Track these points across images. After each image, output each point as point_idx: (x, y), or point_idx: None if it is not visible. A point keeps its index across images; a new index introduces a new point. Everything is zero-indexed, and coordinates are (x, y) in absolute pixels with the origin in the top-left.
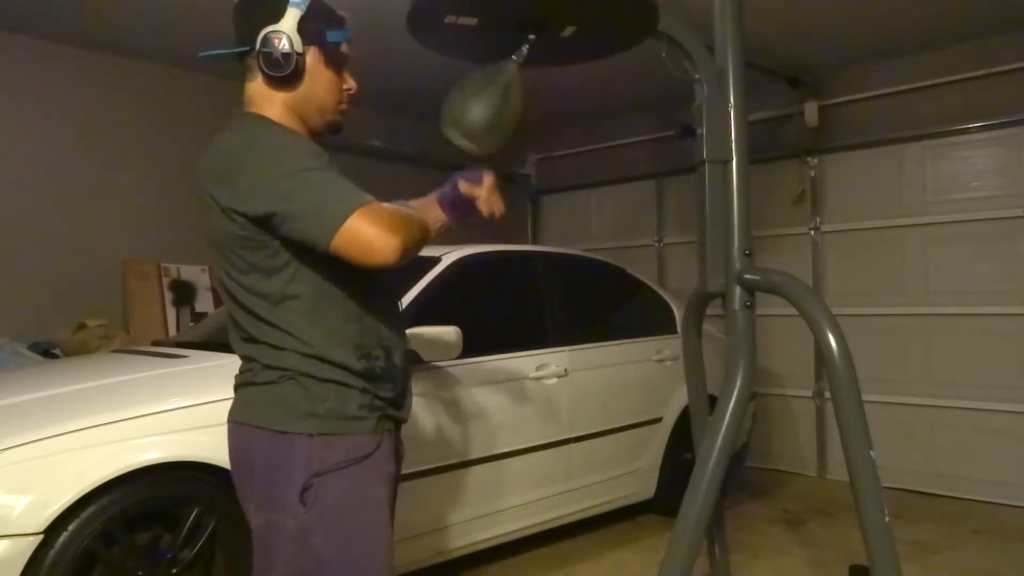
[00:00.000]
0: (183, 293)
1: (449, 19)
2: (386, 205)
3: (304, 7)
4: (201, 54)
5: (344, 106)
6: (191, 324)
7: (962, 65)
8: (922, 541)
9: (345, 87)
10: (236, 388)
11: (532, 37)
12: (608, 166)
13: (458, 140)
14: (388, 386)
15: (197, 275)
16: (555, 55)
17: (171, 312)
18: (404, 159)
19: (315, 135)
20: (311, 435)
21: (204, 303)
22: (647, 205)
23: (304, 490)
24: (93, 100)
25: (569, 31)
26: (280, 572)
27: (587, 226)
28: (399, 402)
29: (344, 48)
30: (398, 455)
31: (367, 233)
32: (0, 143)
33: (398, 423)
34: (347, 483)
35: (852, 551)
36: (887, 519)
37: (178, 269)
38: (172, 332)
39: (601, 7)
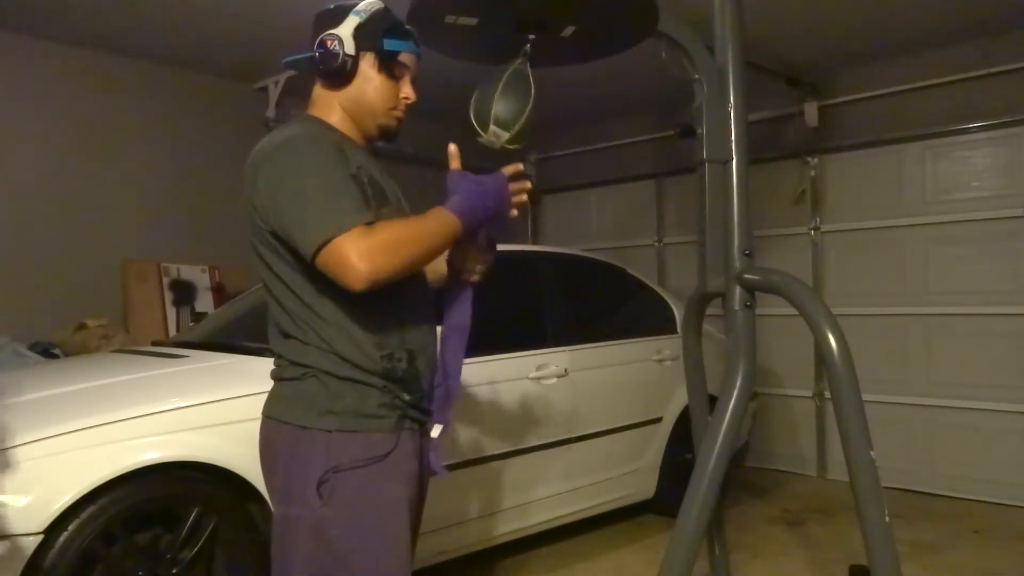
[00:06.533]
0: (183, 293)
1: (449, 19)
2: (378, 226)
3: (364, 16)
4: (284, 61)
5: (398, 113)
6: (191, 324)
7: (962, 65)
8: (922, 541)
9: (402, 95)
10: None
11: (532, 37)
12: (608, 166)
13: (497, 136)
14: (410, 389)
15: (197, 275)
16: (555, 55)
17: (171, 312)
18: (403, 159)
19: (370, 140)
20: (329, 431)
21: (204, 303)
22: (647, 205)
23: (321, 484)
24: (93, 100)
25: (569, 31)
26: (298, 564)
27: (587, 226)
28: (425, 407)
29: (404, 58)
30: (423, 454)
31: (341, 258)
32: (0, 143)
33: (423, 424)
34: (364, 480)
35: (852, 551)
36: (887, 519)
37: (178, 269)
38: (172, 332)
39: (601, 7)
